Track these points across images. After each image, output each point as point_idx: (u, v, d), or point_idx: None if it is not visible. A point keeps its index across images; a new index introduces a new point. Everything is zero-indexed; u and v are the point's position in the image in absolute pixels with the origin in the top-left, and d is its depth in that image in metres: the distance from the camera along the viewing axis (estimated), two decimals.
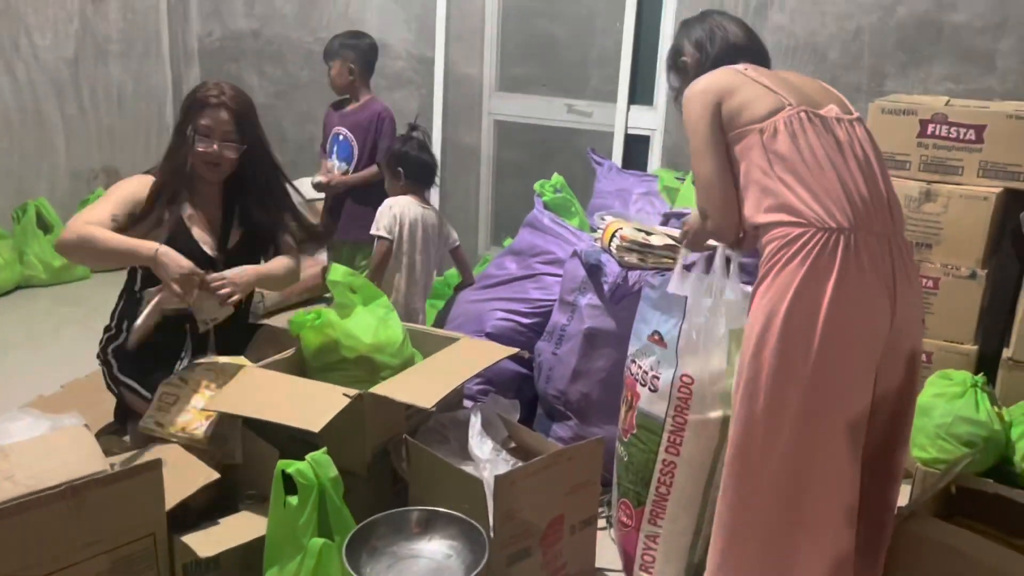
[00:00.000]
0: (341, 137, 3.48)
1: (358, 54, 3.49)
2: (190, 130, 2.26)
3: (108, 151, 4.83)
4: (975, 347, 2.63)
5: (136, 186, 2.27)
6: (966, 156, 2.59)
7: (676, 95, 1.94)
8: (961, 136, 2.58)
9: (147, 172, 2.35)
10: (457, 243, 3.17)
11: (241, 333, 2.48)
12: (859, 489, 1.60)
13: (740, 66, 1.73)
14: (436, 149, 4.40)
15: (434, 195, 4.41)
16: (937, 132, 2.61)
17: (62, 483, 1.70)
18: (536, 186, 3.14)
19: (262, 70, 4.91)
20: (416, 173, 3.06)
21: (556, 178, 3.17)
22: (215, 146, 2.26)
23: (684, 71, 1.90)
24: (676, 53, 1.94)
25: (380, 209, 3.00)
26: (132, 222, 2.21)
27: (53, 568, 1.68)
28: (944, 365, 2.56)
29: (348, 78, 3.48)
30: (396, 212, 2.97)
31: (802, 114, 1.61)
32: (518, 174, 4.31)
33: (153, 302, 2.18)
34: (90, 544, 1.72)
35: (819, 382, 1.53)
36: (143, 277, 2.31)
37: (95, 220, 2.17)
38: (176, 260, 2.13)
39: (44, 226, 4.33)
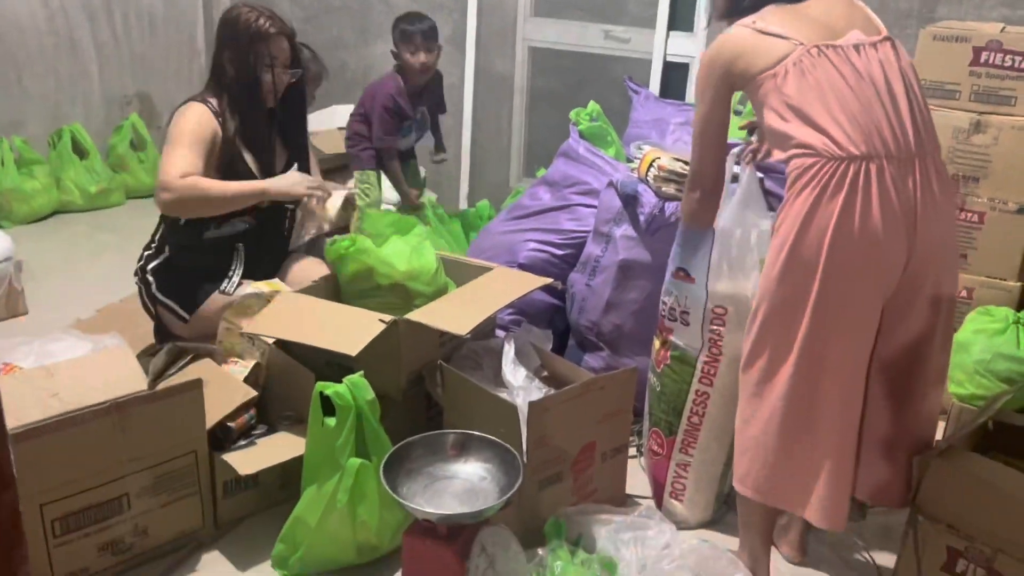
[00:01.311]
0: (419, 116, 3.40)
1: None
2: (252, 59, 2.25)
3: (141, 77, 4.81)
4: (1018, 284, 2.58)
5: (198, 121, 2.25)
6: (1020, 86, 2.49)
7: (710, 19, 1.99)
8: (1016, 64, 2.48)
9: (193, 99, 2.31)
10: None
11: (277, 256, 2.50)
12: (868, 417, 1.70)
13: (750, 19, 1.69)
14: (468, 76, 4.33)
15: (465, 124, 4.40)
16: (991, 60, 2.51)
17: (106, 400, 1.74)
18: (572, 115, 3.07)
19: None
20: None
21: (592, 106, 3.10)
22: (283, 75, 2.31)
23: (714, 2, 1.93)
24: None
25: None
26: (214, 161, 2.26)
27: (98, 482, 1.74)
28: (985, 301, 2.51)
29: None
30: None
31: (812, 50, 1.60)
32: (552, 103, 4.23)
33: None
34: (133, 460, 1.78)
35: (821, 309, 1.57)
36: None
37: (189, 170, 2.19)
38: (289, 181, 2.27)
39: (80, 151, 4.35)
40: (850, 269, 1.56)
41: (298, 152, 2.47)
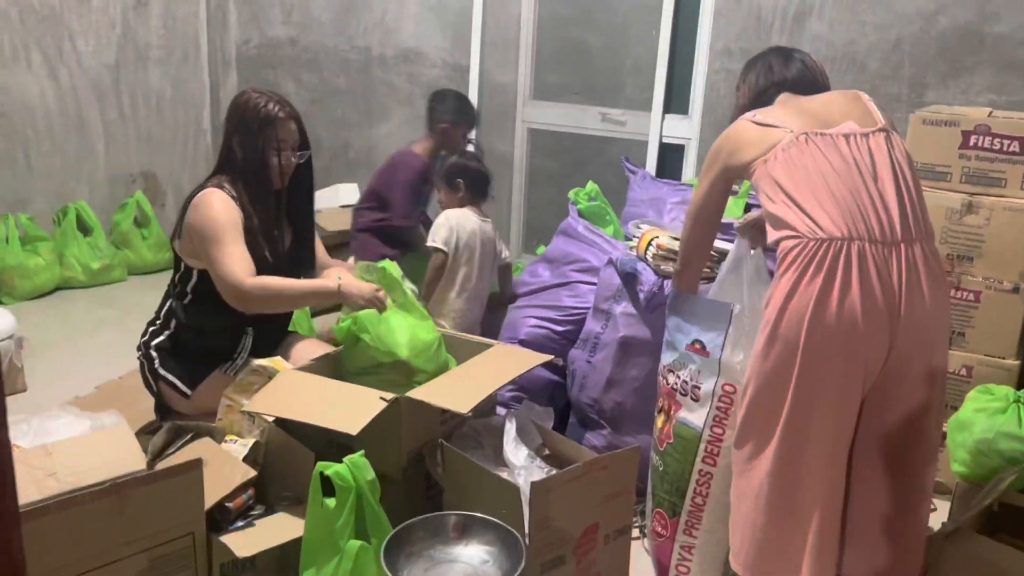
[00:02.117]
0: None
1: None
2: (261, 144, 2.30)
3: (146, 156, 4.91)
4: (1017, 362, 2.59)
5: (228, 210, 2.26)
6: (1009, 168, 2.55)
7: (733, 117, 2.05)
8: (1004, 148, 2.55)
9: (210, 187, 2.30)
10: (508, 260, 3.21)
11: (280, 335, 2.52)
12: (849, 493, 1.71)
13: (751, 113, 1.82)
14: None
15: None
16: (979, 143, 2.58)
17: (104, 481, 1.72)
18: (571, 194, 3.14)
19: (299, 77, 4.97)
20: (475, 184, 3.09)
21: (591, 186, 3.17)
22: (291, 158, 2.34)
23: (738, 101, 2.07)
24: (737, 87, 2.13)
25: (437, 221, 3.02)
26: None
27: (95, 565, 1.70)
28: (985, 380, 2.51)
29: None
30: (452, 224, 2.98)
31: (800, 138, 1.68)
32: (551, 182, 4.31)
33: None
34: (131, 542, 1.74)
35: (802, 388, 1.60)
36: (197, 280, 2.34)
37: (249, 268, 2.21)
38: (359, 288, 2.25)
39: (84, 228, 4.41)
40: (829, 350, 1.58)
41: (303, 232, 2.50)
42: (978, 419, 2.27)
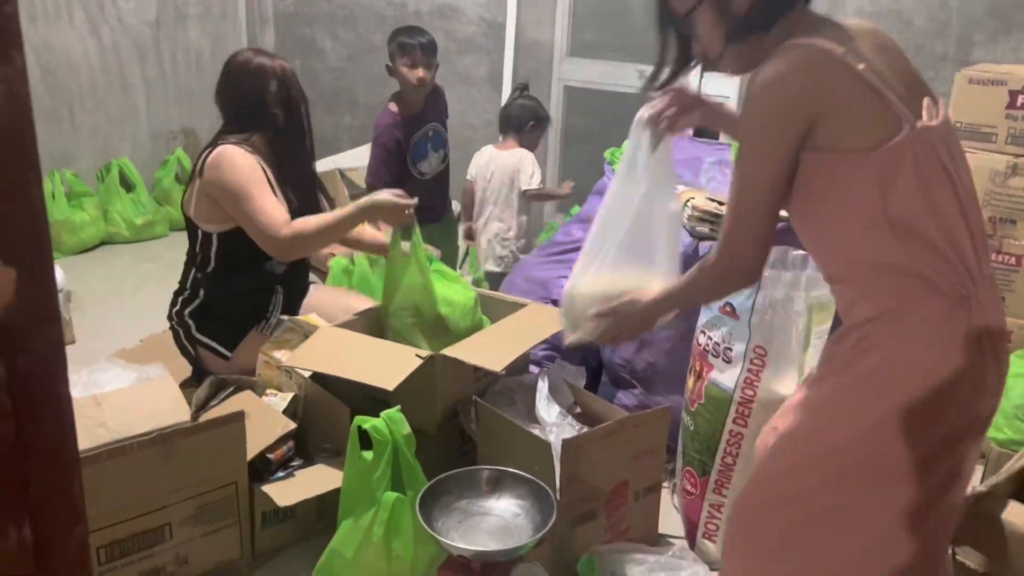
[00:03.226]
0: (431, 133, 3.34)
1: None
2: (302, 102, 2.36)
3: (187, 113, 4.96)
4: None
5: (251, 165, 2.27)
6: None
7: (707, 60, 1.39)
8: None
9: (224, 144, 2.29)
10: (532, 187, 3.43)
11: (303, 288, 2.56)
12: None
13: (827, 41, 1.19)
14: None
15: None
16: None
17: (152, 431, 1.79)
18: (606, 154, 3.12)
19: (335, 33, 4.97)
20: (503, 123, 3.53)
21: (627, 145, 3.15)
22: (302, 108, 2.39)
23: (728, 13, 1.28)
24: None
25: None
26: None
27: (142, 511, 1.78)
28: None
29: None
30: (474, 158, 3.51)
31: (924, 137, 1.19)
32: (587, 141, 4.29)
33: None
34: (177, 490, 1.82)
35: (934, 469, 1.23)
36: (219, 245, 2.35)
37: (284, 216, 2.23)
38: (388, 199, 2.24)
39: (127, 185, 4.49)
40: (967, 427, 1.25)
41: (306, 181, 2.48)
42: (1016, 384, 2.26)
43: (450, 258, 3.62)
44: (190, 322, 2.43)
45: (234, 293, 2.39)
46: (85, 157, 4.50)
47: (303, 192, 2.41)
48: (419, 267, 2.23)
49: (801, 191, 1.26)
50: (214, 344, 2.41)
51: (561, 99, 4.32)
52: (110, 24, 4.49)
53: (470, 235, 3.60)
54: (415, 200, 2.26)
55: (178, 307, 2.46)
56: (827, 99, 1.18)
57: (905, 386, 1.21)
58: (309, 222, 2.24)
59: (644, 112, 1.55)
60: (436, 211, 3.30)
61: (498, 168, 3.44)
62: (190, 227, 2.39)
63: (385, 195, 2.26)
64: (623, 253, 1.55)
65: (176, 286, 2.52)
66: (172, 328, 2.49)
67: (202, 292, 2.42)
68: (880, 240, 1.20)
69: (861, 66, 1.18)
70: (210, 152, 2.29)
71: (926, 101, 1.24)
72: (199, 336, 2.42)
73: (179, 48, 4.84)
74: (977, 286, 1.22)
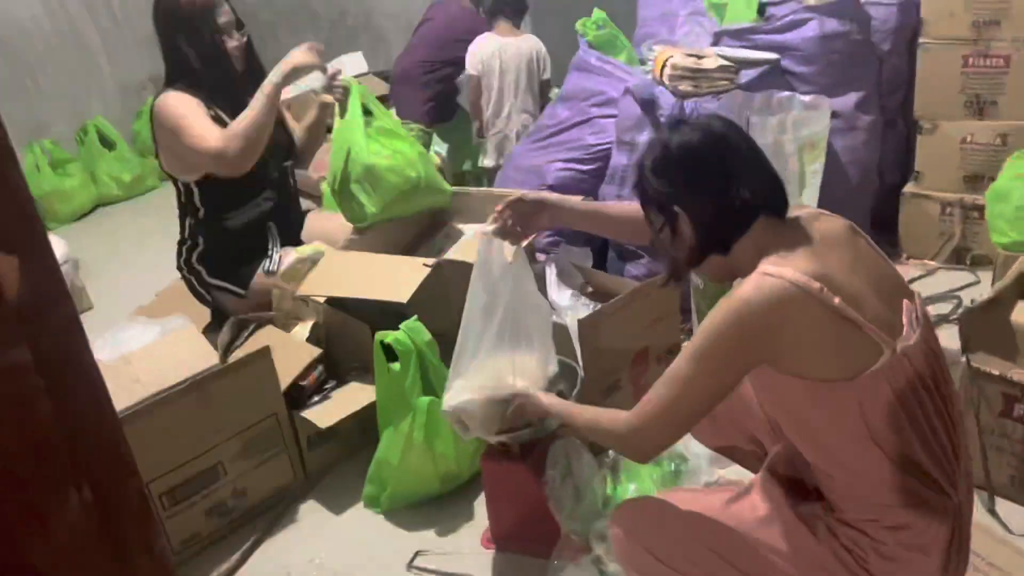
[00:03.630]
0: None
1: None
2: (210, 36, 2.25)
3: (150, 59, 4.83)
4: None
5: (187, 102, 2.24)
6: None
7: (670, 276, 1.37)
8: None
9: (163, 92, 2.26)
10: (545, 76, 3.46)
11: (297, 218, 2.57)
12: None
13: (797, 272, 1.12)
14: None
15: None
16: None
17: (185, 379, 1.86)
18: (578, 25, 3.05)
19: None
20: (490, 9, 3.53)
21: (597, 14, 3.07)
22: (236, 36, 2.29)
23: (678, 235, 1.25)
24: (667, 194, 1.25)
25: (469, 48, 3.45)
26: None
27: (193, 455, 1.87)
28: (1021, 145, 2.48)
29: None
30: (474, 50, 3.41)
31: (904, 361, 1.13)
32: (557, 16, 4.17)
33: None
34: (221, 429, 1.90)
35: None
36: (200, 193, 2.35)
37: (217, 133, 2.19)
38: (292, 56, 2.24)
39: (107, 143, 4.46)
40: None
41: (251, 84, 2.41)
42: (1016, 186, 2.27)
43: (471, 155, 3.65)
44: (200, 268, 2.47)
45: (229, 234, 2.40)
46: (59, 123, 4.45)
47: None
48: (350, 127, 2.26)
49: (775, 407, 1.26)
50: (228, 285, 2.44)
51: None
52: None
53: (482, 133, 3.58)
54: (320, 45, 2.27)
55: (184, 256, 2.49)
56: (793, 336, 1.13)
57: None
58: (233, 127, 2.19)
59: (488, 228, 1.56)
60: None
61: (511, 57, 3.36)
62: (172, 180, 2.40)
63: (289, 60, 2.23)
64: (497, 346, 1.58)
65: (177, 235, 2.55)
66: (184, 277, 2.52)
67: (200, 239, 2.44)
68: (873, 459, 1.16)
69: (837, 300, 1.11)
70: (151, 106, 2.29)
71: (906, 304, 1.18)
72: (212, 280, 2.46)
73: None
74: (959, 492, 1.20)
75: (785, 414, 1.24)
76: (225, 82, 2.31)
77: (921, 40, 2.61)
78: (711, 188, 1.20)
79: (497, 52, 3.34)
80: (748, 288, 1.14)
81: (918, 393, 1.15)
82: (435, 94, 3.67)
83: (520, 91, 3.40)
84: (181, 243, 2.51)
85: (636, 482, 1.82)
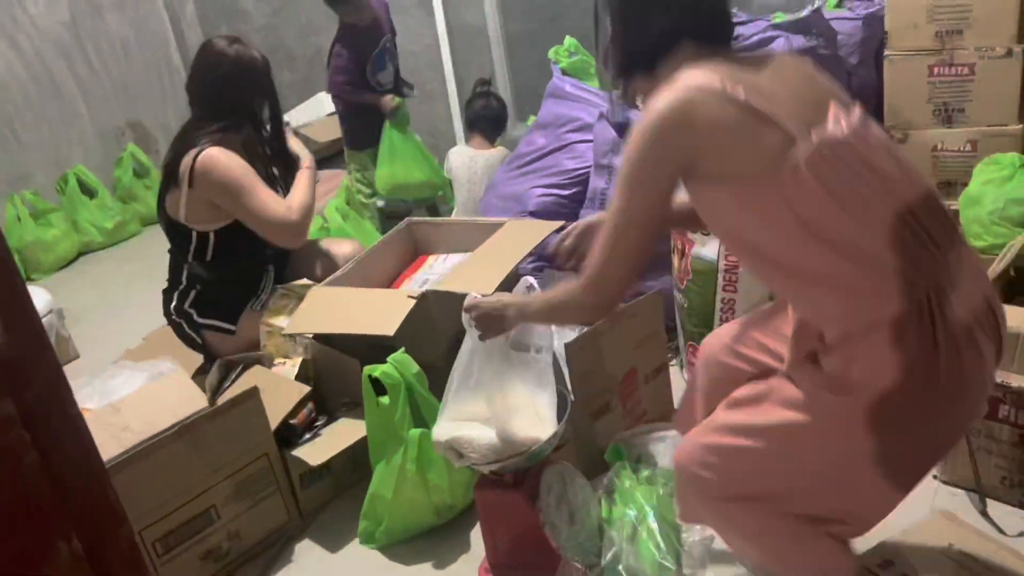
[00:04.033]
0: (388, 45, 3.52)
1: None
2: (271, 96, 2.39)
3: (128, 105, 4.88)
4: (1020, 126, 2.58)
5: (237, 160, 2.28)
6: None
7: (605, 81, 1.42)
8: None
9: (204, 147, 2.26)
10: None
11: (286, 259, 2.60)
12: None
13: (709, 75, 1.17)
14: (442, 35, 4.33)
15: (449, 82, 4.42)
16: None
17: (175, 424, 1.85)
18: (551, 53, 3.10)
19: None
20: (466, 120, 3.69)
21: (569, 41, 3.12)
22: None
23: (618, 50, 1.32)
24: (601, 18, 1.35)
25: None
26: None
27: (185, 499, 1.86)
28: (990, 151, 2.52)
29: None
30: (448, 155, 3.55)
31: (824, 151, 1.15)
32: (531, 45, 4.22)
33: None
34: (213, 472, 1.89)
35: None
36: (216, 242, 2.38)
37: (285, 203, 2.32)
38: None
39: (88, 191, 4.46)
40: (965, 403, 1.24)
41: (283, 160, 2.51)
42: (987, 191, 2.30)
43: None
44: (190, 311, 2.47)
45: (231, 277, 2.42)
46: (39, 173, 4.45)
47: (287, 179, 2.46)
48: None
49: (711, 220, 1.28)
50: (217, 323, 2.44)
51: (495, 8, 4.24)
52: (26, 32, 4.37)
53: None
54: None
55: (175, 302, 2.48)
56: (705, 134, 1.16)
57: (872, 386, 1.19)
58: (296, 198, 2.34)
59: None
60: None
61: (480, 168, 3.47)
62: (177, 228, 2.37)
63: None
64: (492, 378, 1.62)
65: (164, 282, 2.55)
66: (173, 322, 2.52)
67: (199, 284, 2.45)
68: (813, 251, 1.18)
69: (740, 92, 1.15)
70: (192, 157, 2.25)
71: (832, 108, 1.19)
72: (201, 321, 2.46)
73: (102, 41, 4.72)
74: (939, 277, 1.18)
75: (727, 232, 1.29)
76: (279, 140, 2.45)
77: (887, 52, 2.66)
78: (633, 5, 1.28)
79: (467, 163, 3.43)
80: (655, 100, 1.19)
81: (855, 180, 1.16)
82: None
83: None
84: (171, 290, 2.51)
85: (633, 504, 1.82)
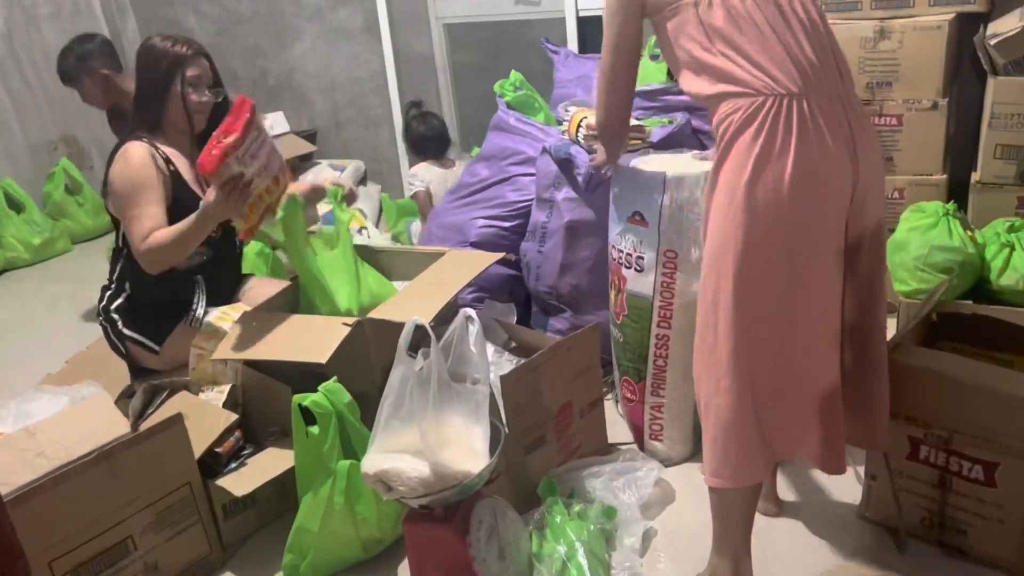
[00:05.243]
0: None
1: (103, 57, 3.32)
2: (178, 85, 2.28)
3: (62, 120, 4.74)
4: (944, 176, 2.69)
5: (142, 165, 2.23)
6: None
7: None
8: None
9: (128, 140, 2.28)
10: None
11: (235, 280, 2.54)
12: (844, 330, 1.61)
13: None
14: (389, 63, 4.34)
15: (395, 110, 4.42)
16: None
17: (92, 451, 1.78)
18: (496, 87, 3.11)
19: (199, 9, 4.78)
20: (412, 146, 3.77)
21: (514, 75, 3.14)
22: (206, 94, 2.32)
23: None
24: None
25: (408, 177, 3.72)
26: (166, 201, 2.27)
27: (100, 529, 1.78)
28: (916, 198, 2.62)
29: (106, 86, 3.31)
30: (416, 171, 3.62)
31: None
32: (476, 77, 4.26)
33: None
34: (130, 502, 1.82)
35: (790, 248, 1.49)
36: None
37: (154, 225, 2.20)
38: (213, 198, 2.07)
39: (15, 206, 4.31)
40: (815, 203, 1.48)
41: None
42: (912, 238, 2.39)
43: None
44: (116, 317, 2.41)
45: (155, 284, 2.35)
46: None
47: (200, 186, 2.37)
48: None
49: (662, 40, 1.64)
50: (141, 339, 2.39)
51: (442, 38, 4.26)
52: None
53: None
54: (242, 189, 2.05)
55: (104, 302, 2.46)
56: None
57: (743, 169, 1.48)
58: (159, 235, 2.19)
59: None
60: None
61: (441, 187, 3.56)
62: (113, 220, 2.40)
63: (217, 198, 2.07)
64: (422, 408, 1.61)
65: (91, 300, 2.48)
66: (100, 324, 2.48)
67: (127, 284, 2.41)
68: (715, 58, 1.52)
69: None
70: (120, 145, 2.29)
71: None
72: (126, 332, 2.40)
73: (38, 53, 4.60)
74: (809, 96, 1.48)
75: (668, 49, 1.63)
76: (183, 139, 2.34)
77: None
78: None
79: (440, 180, 3.58)
80: None
81: (750, 10, 1.50)
82: None
83: None
84: (105, 288, 2.48)
85: (563, 540, 1.80)
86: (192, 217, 2.16)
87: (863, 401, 1.69)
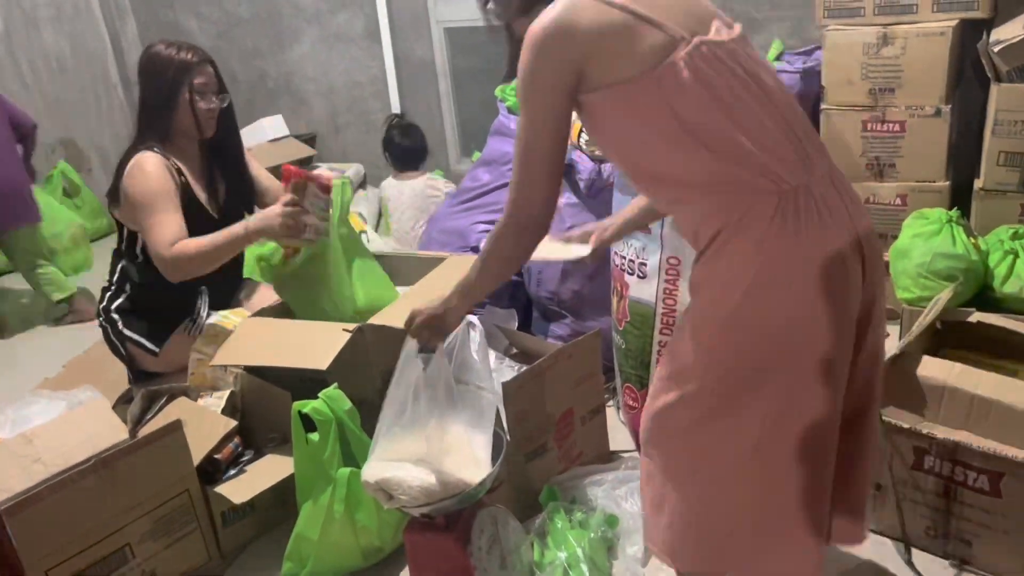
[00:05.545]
0: None
1: None
2: (186, 93, 2.25)
3: (61, 122, 4.73)
4: (947, 183, 2.68)
5: (159, 175, 2.21)
6: None
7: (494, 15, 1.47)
8: None
9: (139, 149, 2.25)
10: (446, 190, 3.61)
11: (233, 285, 2.52)
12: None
13: None
14: (389, 68, 4.33)
15: None
16: None
17: (90, 457, 1.76)
18: (497, 91, 3.11)
19: (199, 12, 4.77)
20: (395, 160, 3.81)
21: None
22: (214, 101, 2.29)
23: None
24: None
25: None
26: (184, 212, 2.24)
27: (98, 537, 1.76)
28: (919, 205, 2.61)
29: None
30: (384, 185, 3.70)
31: (703, 49, 1.20)
32: (477, 81, 4.25)
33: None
34: (129, 509, 1.80)
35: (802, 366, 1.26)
36: (144, 245, 2.30)
37: (176, 236, 2.17)
38: (268, 217, 2.09)
39: None
40: (834, 300, 1.24)
41: (238, 180, 2.45)
42: (915, 244, 2.37)
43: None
44: (116, 318, 2.41)
45: (159, 286, 2.33)
46: None
47: (210, 194, 2.38)
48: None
49: (601, 136, 1.31)
50: (141, 340, 2.39)
51: (443, 42, 4.25)
52: None
53: None
54: (295, 214, 2.08)
55: (104, 303, 2.45)
56: (588, 42, 1.20)
57: (738, 288, 1.24)
58: (190, 245, 2.17)
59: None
60: None
61: (409, 196, 3.61)
62: (118, 224, 2.38)
63: (272, 223, 2.08)
64: (425, 415, 1.60)
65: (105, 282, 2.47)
66: (100, 325, 2.46)
67: (128, 285, 2.41)
68: (691, 155, 1.22)
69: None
70: (131, 154, 2.26)
71: (715, 23, 1.25)
72: (126, 332, 2.40)
73: (36, 55, 4.58)
74: (811, 185, 1.24)
75: (613, 145, 1.30)
76: (191, 146, 2.33)
77: (823, 106, 2.74)
78: None
79: (396, 194, 3.66)
80: (538, 18, 1.22)
81: (734, 83, 1.21)
82: None
83: (416, 222, 3.62)
84: (105, 288, 2.46)
85: (565, 548, 1.79)
86: (229, 234, 2.15)
87: (850, 492, 1.48)
